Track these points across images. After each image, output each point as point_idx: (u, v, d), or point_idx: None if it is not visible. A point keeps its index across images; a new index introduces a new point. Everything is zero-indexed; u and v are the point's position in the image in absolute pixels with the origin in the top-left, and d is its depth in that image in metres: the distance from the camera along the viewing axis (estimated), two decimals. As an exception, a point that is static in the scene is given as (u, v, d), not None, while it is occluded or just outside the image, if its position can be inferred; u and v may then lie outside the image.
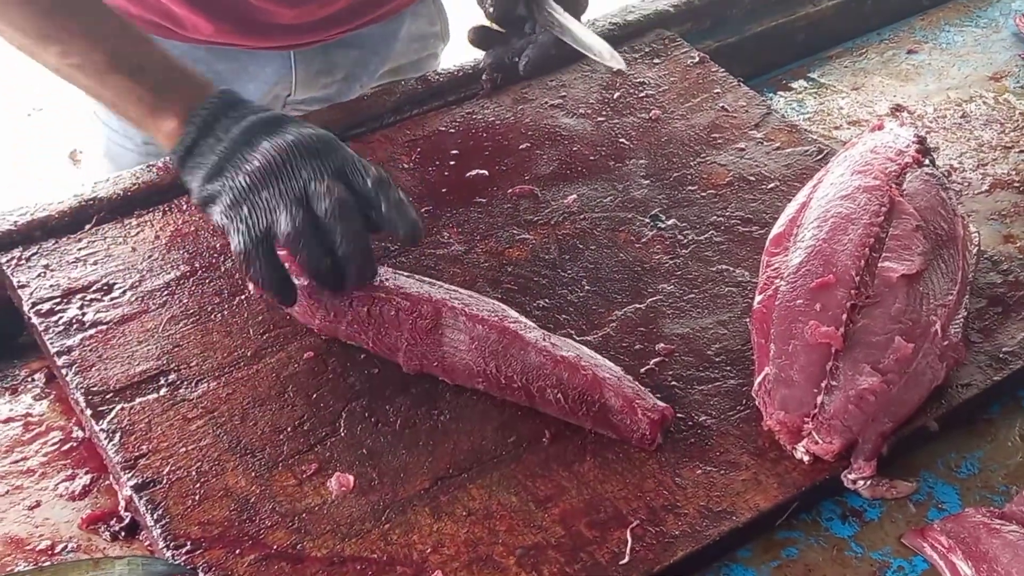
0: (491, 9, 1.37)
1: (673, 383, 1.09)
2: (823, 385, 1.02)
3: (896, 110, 1.47)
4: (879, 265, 1.09)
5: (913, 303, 1.07)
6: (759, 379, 1.05)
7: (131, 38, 1.15)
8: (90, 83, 1.15)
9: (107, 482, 1.05)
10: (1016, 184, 1.35)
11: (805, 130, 1.39)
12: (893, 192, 1.15)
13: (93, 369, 1.09)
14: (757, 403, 1.04)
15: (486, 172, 1.32)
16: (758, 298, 1.11)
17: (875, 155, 1.20)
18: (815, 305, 1.06)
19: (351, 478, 1.00)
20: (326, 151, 1.08)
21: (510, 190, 1.30)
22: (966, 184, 1.35)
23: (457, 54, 1.57)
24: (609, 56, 1.31)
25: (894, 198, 1.14)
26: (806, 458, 1.01)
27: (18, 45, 1.16)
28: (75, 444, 1.09)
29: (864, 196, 1.14)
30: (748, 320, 1.11)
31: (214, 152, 1.08)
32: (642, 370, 1.09)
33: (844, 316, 1.05)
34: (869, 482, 1.00)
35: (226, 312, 1.15)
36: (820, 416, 1.00)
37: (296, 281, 1.09)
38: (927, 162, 1.21)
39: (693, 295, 1.17)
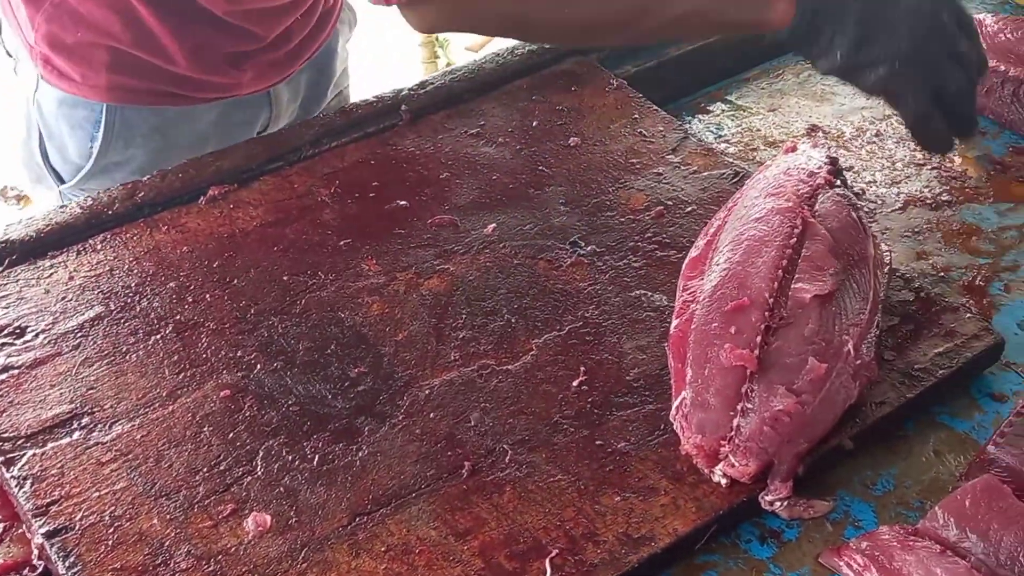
0: None
1: (593, 409, 1.09)
2: (739, 408, 1.02)
3: (812, 130, 1.49)
4: (792, 287, 1.10)
5: (826, 323, 1.08)
6: (676, 403, 1.05)
7: None
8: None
9: (20, 530, 1.03)
10: (928, 201, 1.37)
11: (721, 153, 1.40)
12: (805, 214, 1.16)
13: (4, 415, 1.07)
14: (675, 427, 1.05)
15: (406, 203, 1.32)
16: (674, 322, 1.11)
17: (788, 177, 1.22)
18: (730, 328, 1.07)
19: (268, 518, 0.99)
20: None
21: (430, 220, 1.30)
22: (880, 202, 1.37)
23: (375, 84, 1.57)
24: None
25: (807, 219, 1.16)
26: (724, 481, 1.02)
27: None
28: (-13, 492, 1.07)
29: (777, 218, 1.16)
30: (666, 344, 1.12)
31: (844, 17, 1.11)
32: (561, 397, 1.10)
33: (758, 338, 1.05)
34: (786, 503, 1.01)
35: (141, 352, 1.13)
36: (736, 439, 1.01)
37: None
38: (839, 183, 1.23)
39: (612, 321, 1.18)
